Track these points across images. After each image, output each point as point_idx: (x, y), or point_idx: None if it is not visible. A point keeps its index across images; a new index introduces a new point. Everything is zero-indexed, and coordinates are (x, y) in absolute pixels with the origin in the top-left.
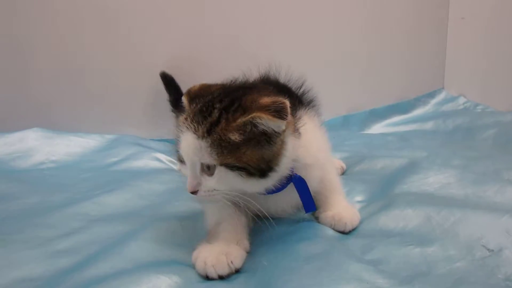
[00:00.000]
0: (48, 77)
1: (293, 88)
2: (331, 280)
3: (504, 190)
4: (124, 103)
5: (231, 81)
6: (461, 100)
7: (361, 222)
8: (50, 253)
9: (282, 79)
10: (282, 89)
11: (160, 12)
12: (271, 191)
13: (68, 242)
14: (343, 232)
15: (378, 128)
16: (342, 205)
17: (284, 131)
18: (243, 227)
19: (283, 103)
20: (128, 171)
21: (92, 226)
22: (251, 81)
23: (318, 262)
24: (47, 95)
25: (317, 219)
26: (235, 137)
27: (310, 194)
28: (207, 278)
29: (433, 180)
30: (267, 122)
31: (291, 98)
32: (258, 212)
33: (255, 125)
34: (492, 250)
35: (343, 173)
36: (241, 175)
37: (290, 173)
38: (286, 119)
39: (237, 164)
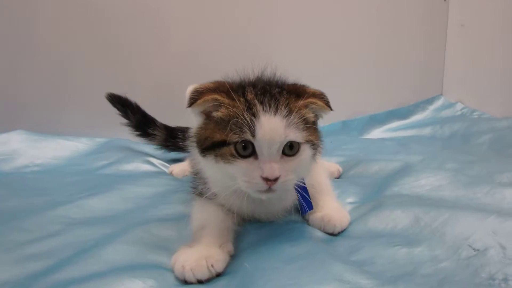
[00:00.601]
0: (37, 78)
1: None
2: (312, 280)
3: (494, 192)
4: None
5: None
6: (459, 106)
7: (350, 223)
8: (20, 258)
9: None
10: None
11: (155, 12)
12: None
13: (41, 246)
14: (332, 234)
15: (377, 133)
16: (332, 207)
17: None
18: (228, 230)
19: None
20: (116, 175)
21: (70, 229)
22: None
23: (300, 262)
24: (36, 97)
25: (307, 221)
26: (309, 115)
27: (309, 195)
28: (185, 282)
29: (425, 182)
30: (319, 108)
31: None
32: (247, 216)
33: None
34: (478, 250)
35: (339, 176)
36: (313, 155)
37: None
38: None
39: (315, 142)
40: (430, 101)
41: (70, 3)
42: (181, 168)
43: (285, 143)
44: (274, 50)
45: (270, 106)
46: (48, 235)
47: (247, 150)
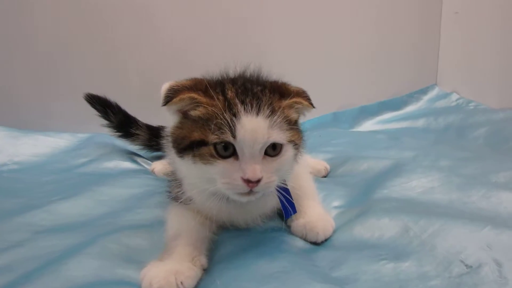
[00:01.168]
0: (20, 72)
1: None
2: None
3: (490, 195)
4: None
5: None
6: (454, 96)
7: (335, 231)
8: None
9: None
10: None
11: (143, 6)
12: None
13: (2, 259)
14: (315, 243)
15: (368, 125)
16: (316, 212)
17: None
18: (203, 241)
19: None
20: (95, 174)
21: (36, 238)
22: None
23: (274, 283)
24: (19, 91)
25: (289, 227)
26: (293, 115)
27: (291, 197)
28: None
29: (416, 184)
30: (303, 107)
31: None
32: (224, 223)
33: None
34: (471, 267)
35: (326, 174)
36: (295, 155)
37: None
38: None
39: (297, 142)
40: (424, 91)
41: None
42: (163, 166)
43: (268, 144)
44: (266, 42)
45: (252, 106)
46: (11, 245)
47: (228, 151)
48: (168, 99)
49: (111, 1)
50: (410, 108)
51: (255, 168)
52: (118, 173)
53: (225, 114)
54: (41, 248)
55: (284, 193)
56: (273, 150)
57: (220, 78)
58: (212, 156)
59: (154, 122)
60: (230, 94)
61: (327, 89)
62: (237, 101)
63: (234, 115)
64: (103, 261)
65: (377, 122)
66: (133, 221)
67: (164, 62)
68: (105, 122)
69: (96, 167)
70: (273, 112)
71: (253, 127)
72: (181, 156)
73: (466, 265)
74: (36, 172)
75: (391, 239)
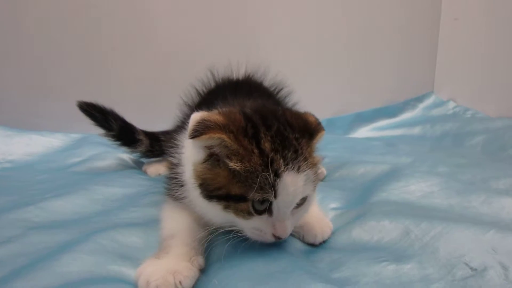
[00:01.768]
0: (13, 71)
1: (275, 92)
2: None
3: (491, 201)
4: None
5: (213, 76)
6: (451, 104)
7: (333, 233)
8: None
9: (267, 82)
10: (264, 93)
11: (138, 7)
12: None
13: None
14: (313, 244)
15: (363, 132)
16: (313, 214)
17: None
18: (200, 242)
19: None
20: (88, 173)
21: (28, 234)
22: (235, 80)
23: (274, 283)
24: (12, 90)
25: None
26: (317, 158)
27: None
28: None
29: (415, 188)
30: (321, 140)
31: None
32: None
33: None
34: (476, 269)
35: (323, 178)
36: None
37: None
38: None
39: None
40: (420, 98)
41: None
42: (155, 167)
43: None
44: (260, 47)
45: (292, 163)
46: (3, 241)
47: (264, 205)
48: (197, 133)
49: (107, 2)
50: (406, 116)
51: (286, 226)
52: (111, 173)
53: (266, 173)
54: (34, 244)
55: None
56: (301, 201)
57: (249, 112)
58: (249, 213)
59: (150, 127)
60: (267, 146)
61: (322, 95)
62: (278, 156)
63: (276, 173)
64: (97, 258)
65: (372, 129)
66: (127, 219)
67: (161, 63)
68: (103, 131)
69: (89, 167)
70: (308, 165)
71: (294, 187)
72: (208, 199)
73: (470, 268)
74: (29, 171)
75: (392, 241)
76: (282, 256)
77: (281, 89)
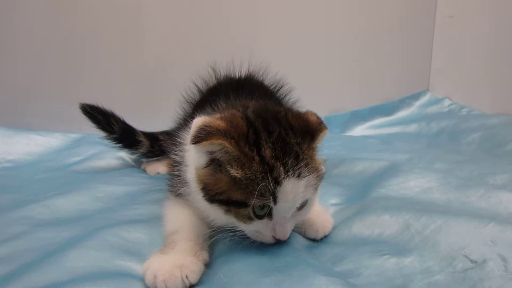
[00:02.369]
0: (13, 72)
1: (275, 91)
2: None
3: (489, 196)
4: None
5: (214, 73)
6: (446, 102)
7: (334, 228)
8: None
9: (267, 81)
10: (265, 92)
11: (136, 10)
12: None
13: (1, 250)
14: (314, 239)
15: (359, 130)
16: (314, 210)
17: None
18: (204, 237)
19: None
20: (88, 172)
21: (34, 231)
22: (237, 79)
23: (279, 275)
24: (10, 91)
25: None
26: (319, 160)
27: None
28: None
29: (414, 184)
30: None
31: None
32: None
33: None
34: (476, 262)
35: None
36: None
37: None
38: None
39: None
40: (415, 96)
41: None
42: (154, 166)
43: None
44: (256, 44)
45: (293, 169)
46: (10, 237)
47: (264, 210)
48: (199, 139)
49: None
50: (401, 114)
51: (286, 229)
52: (111, 171)
53: (267, 181)
54: (40, 240)
55: None
56: (302, 206)
57: (252, 116)
58: (249, 217)
59: (147, 129)
60: (267, 153)
61: (317, 93)
62: (278, 164)
63: (276, 180)
64: (104, 253)
65: (368, 127)
66: (130, 216)
67: (160, 63)
68: (104, 133)
69: (89, 166)
70: (309, 170)
71: (294, 193)
72: (211, 203)
73: (470, 260)
74: (30, 170)
75: (392, 235)
76: (285, 251)
77: (281, 87)
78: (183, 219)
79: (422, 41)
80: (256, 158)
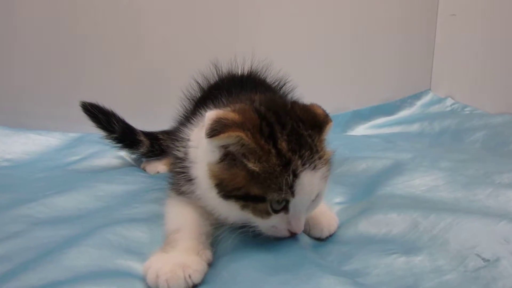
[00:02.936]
0: (10, 71)
1: (278, 88)
2: None
3: (497, 194)
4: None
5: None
6: (449, 101)
7: (339, 227)
8: None
9: (269, 78)
10: (268, 89)
11: (140, 8)
12: None
13: (0, 248)
14: (319, 238)
15: (361, 129)
16: (319, 208)
17: None
18: (207, 235)
19: None
20: (87, 171)
21: (33, 229)
22: (239, 75)
23: (285, 275)
24: (8, 90)
25: None
26: (328, 155)
27: None
28: None
29: (420, 182)
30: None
31: None
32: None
33: None
34: (488, 260)
35: None
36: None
37: None
38: None
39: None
40: (417, 96)
41: None
42: (154, 165)
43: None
44: (257, 42)
45: (309, 161)
46: (8, 236)
47: (281, 205)
48: (215, 132)
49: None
50: (403, 113)
51: (301, 221)
52: (111, 170)
53: (286, 174)
54: (39, 238)
55: None
56: (315, 198)
57: (262, 109)
58: (267, 212)
59: (146, 128)
60: (284, 145)
61: (319, 92)
62: (295, 157)
63: (294, 172)
64: (104, 252)
65: (370, 126)
66: (130, 215)
67: (160, 62)
68: (104, 133)
69: (89, 165)
70: (323, 162)
71: (311, 185)
72: (226, 199)
73: (483, 259)
74: (29, 169)
75: (400, 234)
76: (290, 249)
77: (284, 84)
78: (186, 217)
79: (424, 40)
80: (273, 151)
